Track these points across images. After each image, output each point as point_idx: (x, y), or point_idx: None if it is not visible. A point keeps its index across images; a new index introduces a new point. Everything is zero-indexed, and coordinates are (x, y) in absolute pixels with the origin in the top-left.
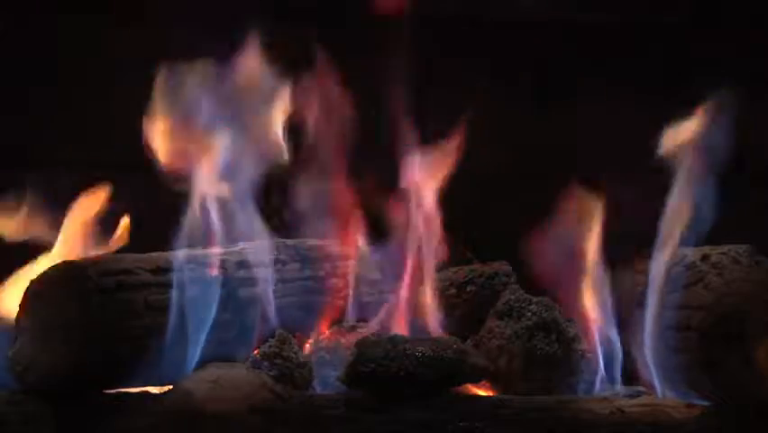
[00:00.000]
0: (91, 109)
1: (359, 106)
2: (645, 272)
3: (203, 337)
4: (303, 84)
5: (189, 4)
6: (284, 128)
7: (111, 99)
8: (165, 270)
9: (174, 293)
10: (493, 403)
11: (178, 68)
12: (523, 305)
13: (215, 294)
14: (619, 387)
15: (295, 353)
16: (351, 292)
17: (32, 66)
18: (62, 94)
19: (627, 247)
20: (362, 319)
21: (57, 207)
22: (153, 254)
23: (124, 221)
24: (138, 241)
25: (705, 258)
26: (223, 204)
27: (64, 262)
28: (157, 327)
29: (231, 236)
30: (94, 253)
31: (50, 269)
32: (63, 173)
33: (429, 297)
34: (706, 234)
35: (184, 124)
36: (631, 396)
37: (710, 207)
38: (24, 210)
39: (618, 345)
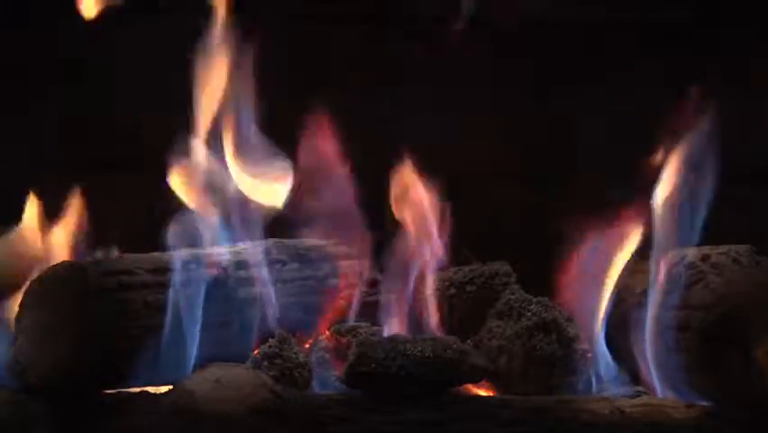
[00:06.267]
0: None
1: (357, 106)
2: (645, 272)
3: (197, 337)
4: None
5: None
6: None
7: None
8: (165, 270)
9: (173, 293)
10: (493, 403)
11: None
12: (523, 305)
13: (215, 294)
14: (620, 387)
15: (295, 353)
16: (351, 292)
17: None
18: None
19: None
20: (363, 320)
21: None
22: (153, 254)
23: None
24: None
25: (705, 258)
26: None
27: (64, 262)
28: (157, 327)
29: (231, 236)
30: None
31: (50, 269)
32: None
33: (429, 297)
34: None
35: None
36: (631, 396)
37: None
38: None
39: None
